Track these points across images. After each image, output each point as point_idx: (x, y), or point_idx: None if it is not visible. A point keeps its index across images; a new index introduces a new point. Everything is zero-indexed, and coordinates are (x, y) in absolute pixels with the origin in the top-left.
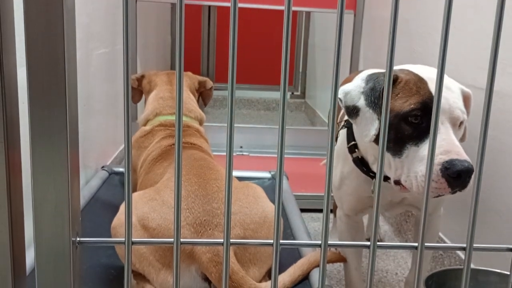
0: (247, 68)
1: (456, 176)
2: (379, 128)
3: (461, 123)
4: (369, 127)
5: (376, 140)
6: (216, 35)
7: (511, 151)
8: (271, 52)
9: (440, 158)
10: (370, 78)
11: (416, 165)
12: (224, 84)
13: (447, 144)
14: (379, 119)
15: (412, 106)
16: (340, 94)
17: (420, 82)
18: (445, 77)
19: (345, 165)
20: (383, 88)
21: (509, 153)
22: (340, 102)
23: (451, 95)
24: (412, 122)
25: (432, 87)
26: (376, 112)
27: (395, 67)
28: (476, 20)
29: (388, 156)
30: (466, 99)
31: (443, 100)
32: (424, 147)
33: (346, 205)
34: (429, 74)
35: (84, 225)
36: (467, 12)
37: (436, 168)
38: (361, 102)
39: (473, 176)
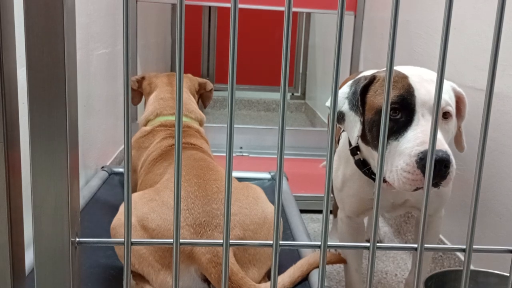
0: (247, 69)
1: None
2: (362, 129)
3: (447, 114)
4: (353, 130)
5: (364, 140)
6: (216, 36)
7: (511, 152)
8: (271, 53)
9: (416, 149)
10: (354, 83)
11: (396, 159)
12: (224, 84)
13: (424, 135)
14: (361, 121)
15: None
16: (328, 102)
17: (398, 77)
18: (433, 73)
19: (347, 167)
20: (361, 89)
21: (509, 155)
22: (328, 110)
23: (434, 87)
24: (391, 117)
25: (414, 81)
26: (357, 114)
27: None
28: (476, 21)
29: (375, 154)
30: (459, 99)
31: (424, 92)
32: (403, 141)
33: (347, 207)
34: (413, 71)
35: (84, 225)
36: (467, 13)
37: (412, 159)
38: (345, 107)
39: (475, 175)
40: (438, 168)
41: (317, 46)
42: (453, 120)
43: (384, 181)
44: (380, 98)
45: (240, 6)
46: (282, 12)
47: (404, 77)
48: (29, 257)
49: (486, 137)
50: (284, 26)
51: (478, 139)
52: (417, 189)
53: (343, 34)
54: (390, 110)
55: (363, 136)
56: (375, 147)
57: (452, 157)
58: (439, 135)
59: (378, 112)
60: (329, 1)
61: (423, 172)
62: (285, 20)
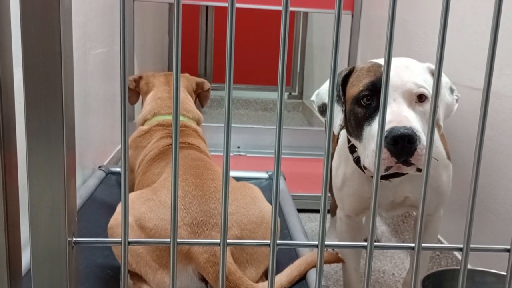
0: (244, 69)
1: (394, 143)
2: (344, 119)
3: (423, 97)
4: (336, 120)
5: (348, 132)
6: (213, 35)
7: (508, 151)
8: (269, 53)
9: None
10: (337, 75)
11: (370, 143)
12: (221, 84)
13: (393, 116)
14: (343, 110)
15: (361, 88)
16: (312, 97)
17: (373, 67)
18: (410, 60)
19: (347, 166)
20: (342, 79)
21: (506, 154)
22: (313, 104)
23: (407, 73)
24: (364, 103)
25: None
26: (339, 104)
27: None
28: (474, 21)
29: (358, 144)
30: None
31: (396, 78)
32: (374, 124)
33: (347, 206)
34: (393, 60)
35: (81, 225)
36: (464, 13)
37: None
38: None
39: (472, 174)
40: (402, 144)
41: (315, 45)
42: (430, 102)
43: (365, 168)
44: (355, 88)
45: (237, 5)
46: (279, 11)
47: (378, 66)
48: (26, 257)
49: (483, 136)
50: (281, 25)
51: (475, 138)
52: (387, 169)
53: (341, 33)
54: (363, 98)
55: (346, 128)
56: (355, 136)
57: (419, 134)
58: (408, 113)
59: (354, 101)
60: (327, 0)
61: (389, 149)
62: (283, 19)
